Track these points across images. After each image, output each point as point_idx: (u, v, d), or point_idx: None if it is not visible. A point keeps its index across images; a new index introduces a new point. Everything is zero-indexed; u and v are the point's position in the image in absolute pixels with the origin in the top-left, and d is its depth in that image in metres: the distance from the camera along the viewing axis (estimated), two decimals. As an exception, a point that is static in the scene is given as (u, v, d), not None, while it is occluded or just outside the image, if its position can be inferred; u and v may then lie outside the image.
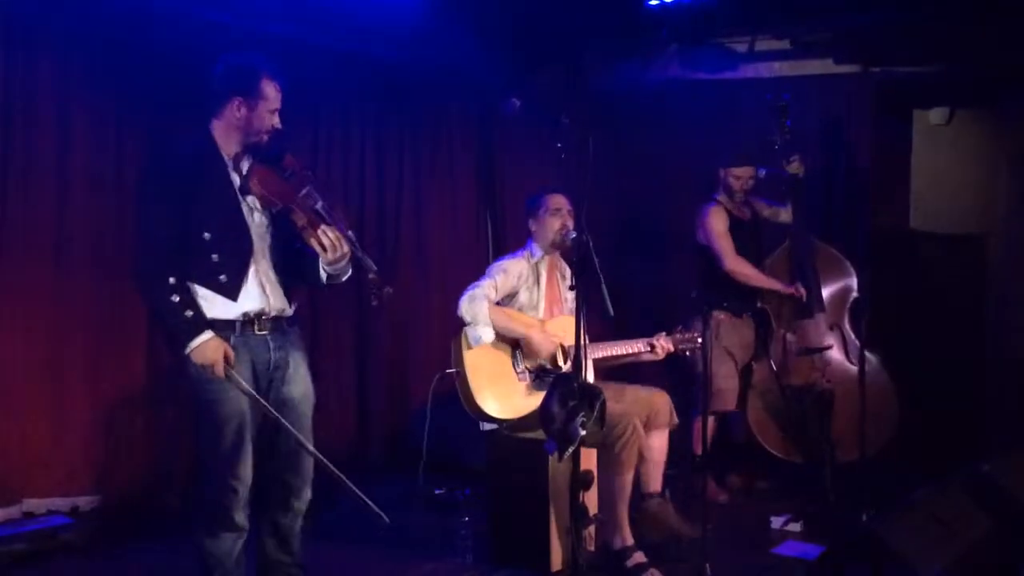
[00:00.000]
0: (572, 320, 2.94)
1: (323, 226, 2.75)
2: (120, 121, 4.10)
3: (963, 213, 5.15)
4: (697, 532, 3.33)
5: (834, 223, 4.92)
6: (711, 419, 4.37)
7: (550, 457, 3.30)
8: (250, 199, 2.85)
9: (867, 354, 4.25)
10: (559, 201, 3.75)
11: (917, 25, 4.66)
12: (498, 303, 3.64)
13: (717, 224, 4.43)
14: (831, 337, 4.47)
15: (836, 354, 4.46)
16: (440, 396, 3.83)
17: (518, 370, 3.62)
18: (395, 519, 2.96)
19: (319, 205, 2.78)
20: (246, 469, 2.83)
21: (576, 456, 2.55)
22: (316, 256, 2.81)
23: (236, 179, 2.85)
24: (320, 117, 4.78)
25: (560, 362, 3.63)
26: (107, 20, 3.94)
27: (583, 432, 2.41)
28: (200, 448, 2.87)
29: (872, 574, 2.68)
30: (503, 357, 3.60)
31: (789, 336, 4.46)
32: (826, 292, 4.50)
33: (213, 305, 2.79)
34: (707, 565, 3.25)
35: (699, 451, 4.36)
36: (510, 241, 5.14)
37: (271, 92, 2.84)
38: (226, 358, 2.75)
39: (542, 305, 3.76)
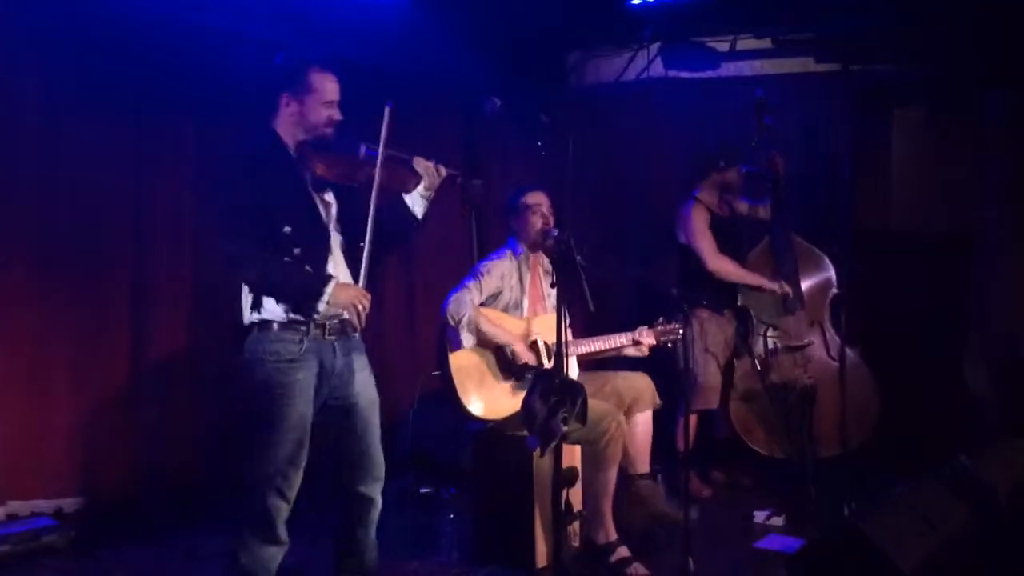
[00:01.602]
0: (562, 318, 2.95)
1: (407, 164, 2.81)
2: (105, 126, 4.09)
3: (943, 211, 5.18)
4: (682, 515, 3.35)
5: (815, 221, 4.95)
6: (693, 416, 4.41)
7: (534, 455, 3.32)
8: (327, 195, 2.83)
9: (848, 350, 4.28)
10: (538, 198, 3.76)
11: (897, 25, 4.70)
12: (482, 303, 3.65)
13: (698, 222, 4.45)
14: (812, 334, 4.50)
15: (817, 350, 4.49)
16: (426, 395, 3.84)
17: (502, 371, 3.62)
18: (381, 519, 2.97)
19: (380, 152, 2.76)
20: (298, 481, 2.74)
21: (558, 453, 2.57)
22: (401, 206, 2.88)
23: (308, 176, 2.81)
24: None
25: (544, 360, 3.65)
26: (93, 25, 3.92)
27: (565, 428, 2.43)
28: (252, 458, 2.74)
29: (852, 567, 2.70)
30: (488, 357, 3.61)
31: (770, 333, 4.48)
32: (806, 288, 4.53)
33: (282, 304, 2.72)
34: (690, 559, 3.27)
35: (683, 448, 4.39)
36: (495, 239, 5.14)
37: (320, 83, 2.79)
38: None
39: (526, 303, 3.77)
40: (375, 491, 2.90)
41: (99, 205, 4.10)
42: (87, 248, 4.07)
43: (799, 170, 4.88)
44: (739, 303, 4.49)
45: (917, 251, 5.15)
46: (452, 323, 3.51)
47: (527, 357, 3.59)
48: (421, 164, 2.89)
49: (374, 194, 2.73)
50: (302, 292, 2.68)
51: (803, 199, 4.91)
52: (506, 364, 3.59)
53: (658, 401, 3.72)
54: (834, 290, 4.49)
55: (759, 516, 4.06)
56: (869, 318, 4.60)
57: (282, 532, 2.74)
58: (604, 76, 5.52)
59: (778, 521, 4.01)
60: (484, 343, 3.58)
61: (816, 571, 2.79)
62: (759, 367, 4.44)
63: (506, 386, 3.61)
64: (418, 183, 2.89)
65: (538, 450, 2.52)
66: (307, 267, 2.68)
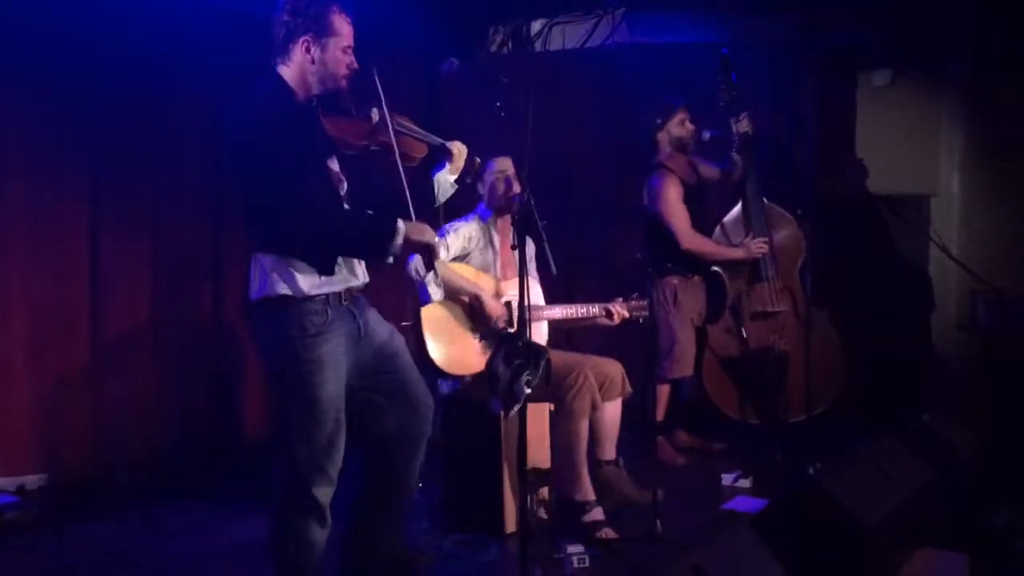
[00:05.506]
0: (528, 280, 2.94)
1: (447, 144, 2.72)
2: (56, 101, 3.99)
3: (906, 174, 5.22)
4: (650, 497, 3.36)
5: (780, 185, 4.95)
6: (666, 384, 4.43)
7: (503, 421, 3.32)
8: (332, 162, 2.56)
9: (815, 312, 4.30)
10: (502, 164, 3.75)
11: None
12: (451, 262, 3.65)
13: (671, 195, 4.34)
14: (785, 300, 4.48)
15: (790, 316, 4.48)
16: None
17: (472, 327, 3.61)
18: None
19: (396, 125, 2.54)
20: (340, 460, 2.57)
21: (523, 417, 2.55)
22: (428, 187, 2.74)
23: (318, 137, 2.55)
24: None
25: (515, 321, 3.63)
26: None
27: (528, 391, 2.42)
28: (291, 437, 2.53)
29: (817, 525, 2.73)
30: (458, 313, 3.59)
31: (744, 299, 4.48)
32: (778, 252, 4.49)
33: (306, 278, 2.50)
34: (658, 521, 3.29)
35: (660, 416, 4.40)
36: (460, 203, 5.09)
37: (341, 25, 2.51)
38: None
39: (497, 266, 3.77)
40: (423, 452, 2.75)
41: (54, 179, 4.02)
42: (43, 222, 4.00)
43: (764, 134, 4.86)
44: (714, 268, 4.46)
45: (880, 212, 5.19)
46: (417, 277, 3.48)
47: (495, 307, 3.57)
48: (456, 145, 2.77)
49: (400, 163, 2.50)
50: (373, 239, 2.46)
51: (768, 163, 4.90)
52: (476, 317, 3.57)
53: (628, 389, 3.68)
54: (804, 256, 4.46)
55: (727, 479, 4.09)
56: (833, 279, 4.62)
57: (328, 514, 2.59)
58: (569, 42, 5.47)
59: (745, 483, 4.04)
60: (453, 297, 3.56)
61: (781, 530, 2.81)
62: (736, 333, 4.44)
63: (475, 343, 3.59)
64: (422, 158, 2.72)
65: (502, 413, 2.51)
66: (368, 211, 2.52)
